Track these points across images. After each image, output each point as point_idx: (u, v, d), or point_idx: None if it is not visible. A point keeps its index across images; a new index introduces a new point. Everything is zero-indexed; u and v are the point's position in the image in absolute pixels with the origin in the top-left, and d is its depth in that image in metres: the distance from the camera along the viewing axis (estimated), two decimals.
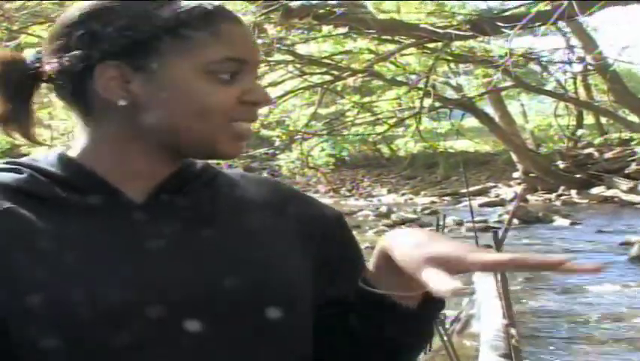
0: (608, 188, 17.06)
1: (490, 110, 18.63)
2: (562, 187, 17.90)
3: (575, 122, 20.60)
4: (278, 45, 8.81)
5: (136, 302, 0.85)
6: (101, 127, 0.94)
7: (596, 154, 18.73)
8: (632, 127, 17.42)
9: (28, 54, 0.97)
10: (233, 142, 0.93)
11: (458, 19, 10.05)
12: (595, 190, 17.27)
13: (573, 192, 17.56)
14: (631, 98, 15.42)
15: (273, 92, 11.34)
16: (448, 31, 8.99)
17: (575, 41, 16.25)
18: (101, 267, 0.87)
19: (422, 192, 21.27)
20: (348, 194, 22.15)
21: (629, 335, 6.28)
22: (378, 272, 0.97)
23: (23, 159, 0.95)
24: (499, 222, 12.09)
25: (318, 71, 11.71)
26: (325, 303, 1.01)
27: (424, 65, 11.97)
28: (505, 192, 18.73)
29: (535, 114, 23.76)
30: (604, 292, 7.78)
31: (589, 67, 15.22)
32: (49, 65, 0.93)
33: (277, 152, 12.62)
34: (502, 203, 17.01)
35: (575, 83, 18.46)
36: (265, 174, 9.45)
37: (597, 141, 19.88)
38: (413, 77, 12.33)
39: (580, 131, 20.31)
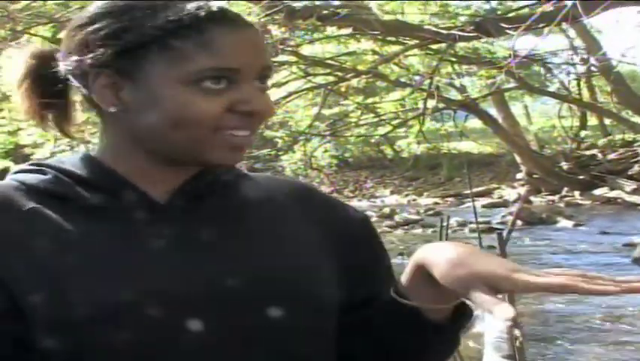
0: (612, 189, 17.03)
1: (493, 111, 18.64)
2: (565, 188, 17.88)
3: (578, 124, 20.57)
4: (281, 46, 8.81)
5: (169, 303, 0.86)
6: (113, 129, 0.95)
7: (600, 155, 18.70)
8: (636, 128, 17.43)
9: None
10: (225, 152, 0.91)
11: (462, 20, 10.06)
12: (598, 191, 17.24)
13: (577, 193, 17.55)
14: (634, 99, 15.43)
15: (277, 93, 11.36)
16: (452, 32, 8.99)
17: (578, 42, 16.26)
18: (130, 266, 0.88)
19: (425, 193, 21.27)
20: (351, 195, 22.14)
21: (634, 337, 6.27)
22: (412, 285, 0.96)
23: (49, 160, 0.96)
24: (503, 223, 12.08)
25: (322, 72, 11.71)
26: (351, 306, 1.01)
27: (427, 66, 11.98)
28: (509, 193, 18.71)
29: (539, 115, 23.77)
30: None
31: (592, 68, 15.21)
32: (63, 66, 0.94)
33: (280, 153, 12.62)
34: (505, 204, 17.00)
35: (578, 85, 18.47)
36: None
37: (601, 142, 19.86)
38: (417, 78, 12.33)
39: (583, 133, 20.30)
